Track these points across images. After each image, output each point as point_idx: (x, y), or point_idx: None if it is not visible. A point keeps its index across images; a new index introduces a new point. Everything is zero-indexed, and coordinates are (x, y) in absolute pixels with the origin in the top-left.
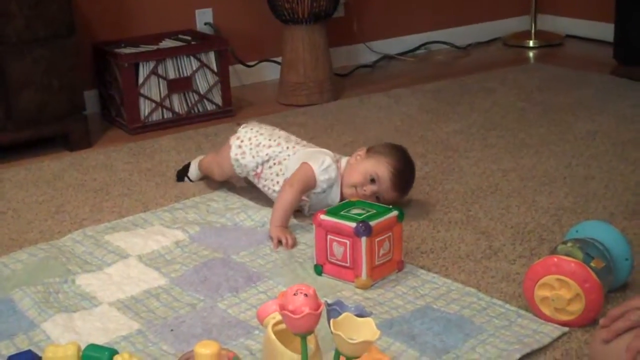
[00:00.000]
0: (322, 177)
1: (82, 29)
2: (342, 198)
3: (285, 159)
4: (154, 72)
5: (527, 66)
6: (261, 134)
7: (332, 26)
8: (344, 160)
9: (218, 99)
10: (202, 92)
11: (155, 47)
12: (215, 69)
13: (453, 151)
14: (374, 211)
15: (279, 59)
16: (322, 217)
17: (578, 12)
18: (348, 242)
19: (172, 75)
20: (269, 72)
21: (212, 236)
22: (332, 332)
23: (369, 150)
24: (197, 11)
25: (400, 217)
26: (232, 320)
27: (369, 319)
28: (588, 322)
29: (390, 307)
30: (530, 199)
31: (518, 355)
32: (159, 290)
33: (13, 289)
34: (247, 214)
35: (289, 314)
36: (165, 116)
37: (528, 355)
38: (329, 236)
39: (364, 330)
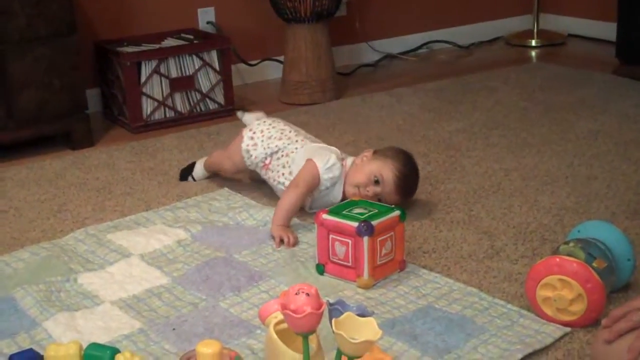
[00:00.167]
0: (326, 176)
1: (84, 28)
2: (344, 197)
3: (292, 152)
4: (156, 70)
5: (529, 65)
6: (273, 127)
7: (335, 25)
8: (349, 160)
9: (220, 98)
10: (204, 91)
11: (157, 45)
12: (217, 68)
13: (455, 150)
14: (376, 211)
15: (282, 58)
16: (324, 216)
17: (581, 12)
18: (350, 242)
19: (174, 74)
20: (272, 71)
21: (214, 235)
22: (333, 332)
23: (375, 152)
24: (199, 10)
25: (402, 217)
26: (234, 319)
27: (370, 319)
28: (590, 322)
29: (392, 307)
30: (532, 198)
31: (520, 356)
32: (161, 289)
33: (15, 287)
34: (249, 213)
35: (291, 313)
36: (168, 115)
37: (530, 355)
38: (331, 235)
39: (366, 329)
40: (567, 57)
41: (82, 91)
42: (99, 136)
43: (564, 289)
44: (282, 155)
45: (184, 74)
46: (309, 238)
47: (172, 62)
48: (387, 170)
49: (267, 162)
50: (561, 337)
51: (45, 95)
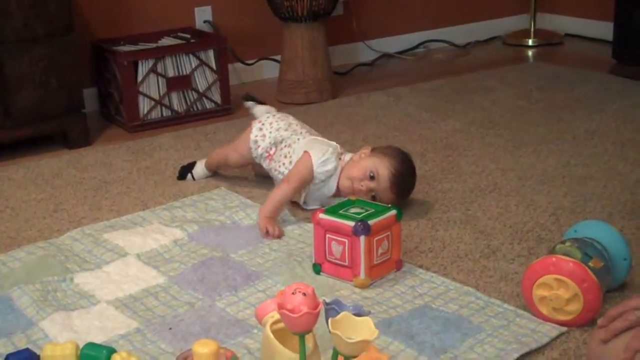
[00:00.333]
0: (320, 169)
1: (81, 27)
2: (337, 190)
3: (295, 142)
4: (153, 70)
5: (526, 65)
6: (282, 120)
7: (331, 24)
8: (348, 156)
9: (217, 97)
10: (201, 90)
11: (154, 45)
12: (214, 67)
13: (452, 150)
14: (373, 210)
15: (278, 57)
16: (321, 215)
17: (577, 11)
18: (347, 241)
19: (171, 73)
20: (268, 70)
21: (211, 235)
22: (330, 331)
23: (373, 150)
24: (196, 9)
25: (398, 216)
26: (230, 319)
27: (367, 318)
28: (586, 322)
29: (389, 307)
30: (528, 198)
31: (516, 355)
32: (158, 288)
33: (11, 287)
34: (245, 213)
35: (288, 313)
36: (165, 114)
37: (526, 354)
38: (327, 235)
39: (362, 329)
40: (563, 56)
41: (79, 90)
42: (96, 135)
43: (560, 288)
44: (285, 146)
45: (180, 73)
46: (305, 237)
47: (168, 61)
48: (383, 167)
49: (271, 152)
50: (557, 337)
51: (42, 94)
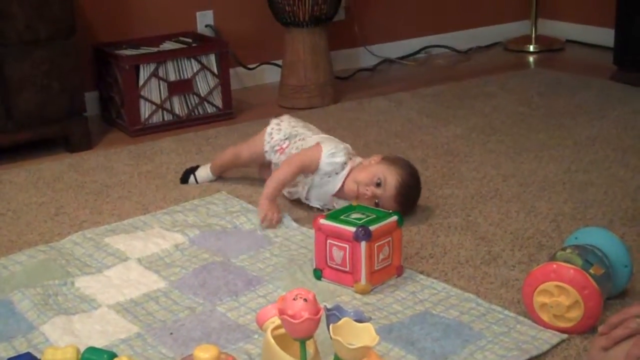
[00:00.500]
0: (327, 160)
1: (83, 31)
2: (340, 190)
3: (308, 137)
4: (154, 74)
5: (527, 71)
6: (300, 121)
7: (333, 29)
8: (358, 160)
9: (218, 102)
10: (202, 95)
11: (156, 49)
12: (215, 72)
13: (453, 156)
14: (374, 216)
15: (280, 62)
16: (322, 221)
17: (578, 17)
18: (347, 247)
19: (172, 77)
20: (270, 74)
21: (212, 239)
22: (331, 337)
23: (383, 159)
24: (198, 13)
25: (399, 222)
26: (231, 324)
27: (368, 324)
28: (587, 329)
29: (390, 313)
30: (529, 204)
31: None
32: (158, 293)
33: (12, 290)
34: (247, 217)
35: (289, 318)
36: (166, 118)
37: None
38: (328, 240)
39: (363, 335)
40: (564, 62)
41: (81, 94)
42: (97, 139)
43: (561, 295)
44: (299, 139)
45: (182, 78)
46: (306, 243)
47: (170, 65)
48: (391, 176)
49: (284, 145)
50: (558, 344)
51: (44, 97)
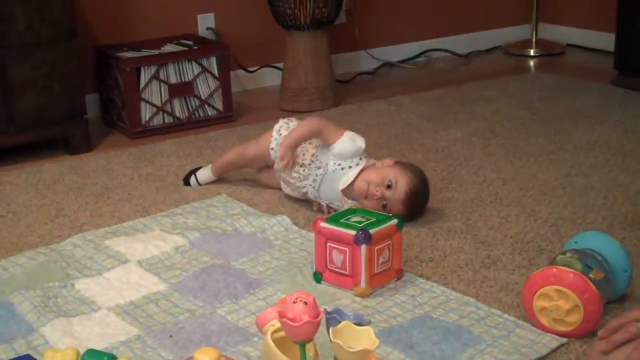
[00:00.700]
0: (347, 139)
1: (84, 33)
2: (350, 186)
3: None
4: (155, 76)
5: (527, 75)
6: None
7: (334, 33)
8: (371, 161)
9: (219, 104)
10: (203, 97)
11: (157, 51)
12: (216, 74)
13: (453, 159)
14: (374, 219)
15: (281, 65)
16: (322, 224)
17: (579, 22)
18: (347, 250)
19: (173, 80)
20: (270, 77)
21: (212, 242)
22: (331, 340)
23: (396, 163)
24: (199, 16)
25: (399, 226)
26: (231, 326)
27: (367, 328)
28: (586, 333)
29: (389, 316)
30: (529, 208)
31: None
32: (158, 295)
33: (12, 292)
34: (247, 220)
35: (289, 321)
36: (166, 121)
37: None
38: (328, 244)
39: (363, 338)
40: (565, 67)
41: (82, 96)
42: (98, 141)
43: (560, 299)
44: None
45: (183, 80)
46: (306, 246)
47: (171, 68)
48: (402, 180)
49: None
50: (557, 348)
51: (45, 100)
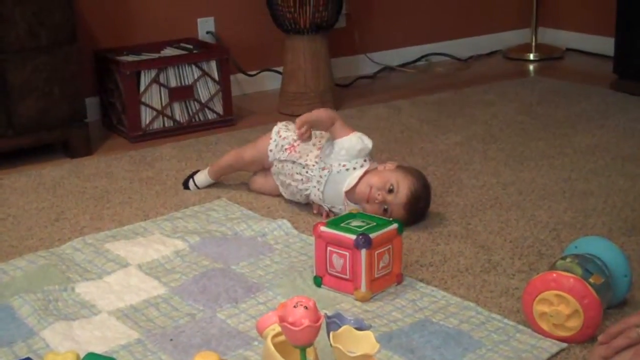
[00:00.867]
0: (356, 138)
1: (84, 37)
2: (352, 190)
3: (327, 133)
4: (155, 80)
5: (527, 79)
6: None
7: (334, 37)
8: (375, 164)
9: (219, 108)
10: (203, 101)
11: (157, 55)
12: (216, 78)
13: (453, 164)
14: (374, 224)
15: (280, 69)
16: (322, 228)
17: (579, 26)
18: (348, 254)
19: (173, 83)
20: (270, 81)
21: (212, 246)
22: (331, 345)
23: (399, 167)
24: (199, 20)
25: (400, 230)
26: (231, 330)
27: (368, 332)
28: (586, 338)
29: (389, 320)
30: (529, 213)
31: None
32: (159, 299)
33: (12, 296)
34: (247, 224)
35: (289, 326)
36: (166, 124)
37: None
38: (328, 248)
39: (364, 343)
40: (564, 71)
41: (82, 100)
42: (98, 145)
43: (560, 304)
44: (315, 136)
45: (183, 84)
46: (307, 250)
47: (171, 71)
48: (405, 184)
49: (295, 144)
50: (557, 353)
51: (45, 103)
